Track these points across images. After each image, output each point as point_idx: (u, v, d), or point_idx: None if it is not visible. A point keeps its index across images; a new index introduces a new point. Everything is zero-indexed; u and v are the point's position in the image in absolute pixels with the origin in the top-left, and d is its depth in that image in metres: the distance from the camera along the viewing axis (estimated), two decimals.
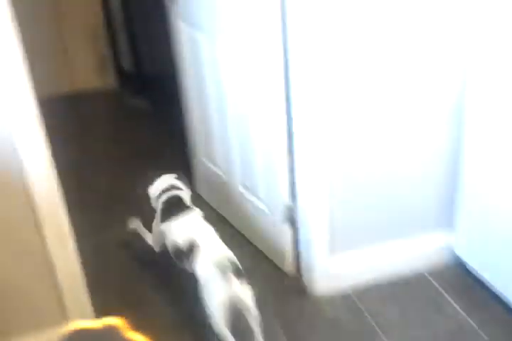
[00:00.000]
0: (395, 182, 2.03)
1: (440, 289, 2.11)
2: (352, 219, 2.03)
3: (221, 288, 1.70)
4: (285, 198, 2.07)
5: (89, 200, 2.73)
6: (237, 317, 1.74)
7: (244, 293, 1.74)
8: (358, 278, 2.12)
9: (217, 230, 1.94)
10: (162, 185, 2.13)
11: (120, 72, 4.11)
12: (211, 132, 2.41)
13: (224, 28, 2.05)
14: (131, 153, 3.24)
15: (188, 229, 1.94)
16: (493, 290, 2.02)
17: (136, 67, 4.03)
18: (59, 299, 1.85)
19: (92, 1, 3.91)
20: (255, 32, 1.87)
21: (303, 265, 2.15)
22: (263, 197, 2.19)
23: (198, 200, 2.70)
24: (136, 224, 2.27)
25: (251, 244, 2.38)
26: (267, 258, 2.30)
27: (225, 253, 1.80)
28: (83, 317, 1.69)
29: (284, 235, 2.14)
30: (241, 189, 2.33)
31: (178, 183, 2.15)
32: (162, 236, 2.03)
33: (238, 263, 1.76)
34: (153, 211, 2.13)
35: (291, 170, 2.00)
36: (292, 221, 2.10)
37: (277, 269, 2.24)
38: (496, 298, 2.01)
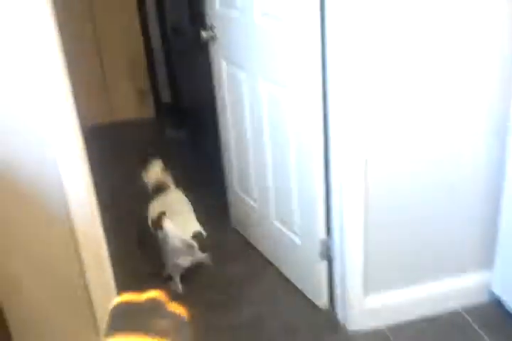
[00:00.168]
0: (433, 222, 2.03)
1: (476, 327, 2.09)
2: (387, 258, 2.04)
3: (182, 253, 2.20)
4: (321, 233, 2.09)
5: (126, 225, 2.78)
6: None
7: (202, 258, 2.26)
8: (392, 314, 2.12)
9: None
10: (154, 172, 2.61)
11: (159, 104, 4.24)
12: (247, 166, 2.47)
13: (264, 67, 2.11)
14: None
15: (162, 204, 2.40)
16: None
17: (174, 99, 4.16)
18: (96, 331, 1.89)
19: (133, 38, 4.08)
20: (295, 72, 1.93)
21: (337, 300, 2.16)
22: (298, 232, 2.22)
23: (232, 233, 2.76)
24: None
25: (285, 278, 2.40)
26: (300, 292, 2.31)
27: (189, 222, 2.24)
28: None
29: (318, 270, 2.16)
30: (276, 223, 2.36)
31: (164, 168, 2.64)
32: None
33: (203, 232, 2.18)
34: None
35: (328, 206, 2.03)
36: (327, 256, 2.12)
37: (311, 304, 2.25)
38: None
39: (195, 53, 3.08)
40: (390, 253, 2.03)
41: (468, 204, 2.03)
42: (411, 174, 1.93)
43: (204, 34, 2.40)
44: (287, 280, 2.38)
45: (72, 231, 1.75)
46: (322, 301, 2.22)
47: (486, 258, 2.13)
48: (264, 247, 2.54)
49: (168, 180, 2.61)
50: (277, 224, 2.36)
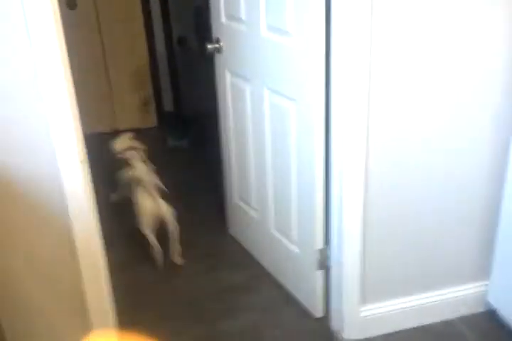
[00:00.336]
0: (430, 233, 2.06)
1: (471, 337, 2.11)
2: (384, 268, 2.07)
3: (147, 205, 2.52)
4: (319, 243, 2.12)
5: (123, 234, 2.82)
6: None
7: (166, 210, 2.53)
8: (388, 324, 2.14)
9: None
10: (123, 144, 2.93)
11: (161, 112, 4.28)
12: (247, 174, 2.50)
13: (269, 79, 2.16)
14: (168, 190, 3.34)
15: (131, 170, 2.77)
16: None
17: (176, 108, 4.20)
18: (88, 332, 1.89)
19: (139, 47, 4.13)
20: (299, 84, 1.97)
21: (332, 310, 2.19)
22: (297, 241, 2.25)
23: (230, 241, 2.79)
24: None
25: (282, 286, 2.43)
26: (297, 301, 2.34)
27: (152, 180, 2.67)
28: None
29: (315, 279, 2.19)
30: (275, 232, 2.39)
31: (135, 142, 2.95)
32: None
33: (165, 188, 2.62)
34: None
35: (326, 216, 2.07)
36: (324, 266, 2.15)
37: (307, 313, 2.27)
38: None
39: (200, 63, 3.13)
40: (387, 263, 2.06)
41: (466, 215, 2.07)
42: (409, 186, 1.97)
43: (209, 46, 2.44)
44: (284, 289, 2.41)
45: (69, 232, 1.76)
46: (318, 310, 2.24)
47: (483, 269, 2.16)
48: (262, 256, 2.57)
49: (136, 146, 2.94)
50: (276, 233, 2.39)
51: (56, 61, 1.56)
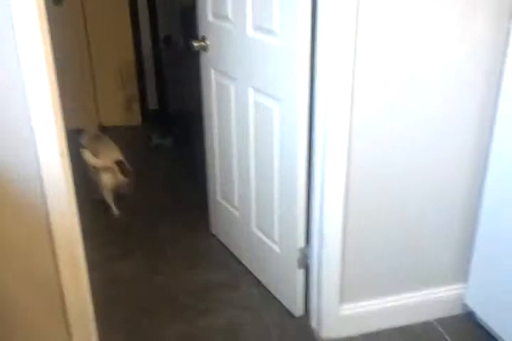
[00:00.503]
0: (409, 234, 2.08)
1: (448, 339, 2.13)
2: (364, 268, 2.08)
3: (108, 177, 2.99)
4: (300, 242, 2.13)
5: (103, 232, 2.83)
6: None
7: (124, 181, 3.00)
8: (366, 323, 2.16)
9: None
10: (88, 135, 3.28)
11: (146, 110, 4.28)
12: (230, 174, 2.51)
13: (254, 78, 2.16)
14: (151, 189, 3.35)
15: (93, 146, 3.09)
16: None
17: (161, 106, 4.20)
18: (67, 328, 1.87)
19: (125, 46, 4.12)
20: (284, 83, 1.98)
21: (312, 309, 2.20)
22: (278, 240, 2.26)
23: (212, 240, 2.80)
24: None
25: (262, 285, 2.44)
26: (277, 300, 2.34)
27: (111, 153, 3.06)
28: None
29: (295, 278, 2.20)
30: (256, 231, 2.40)
31: (101, 134, 3.30)
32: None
33: (123, 161, 3.03)
34: None
35: (308, 215, 2.08)
36: (305, 265, 2.16)
37: (287, 311, 2.28)
38: None
39: (185, 62, 3.14)
40: (366, 264, 2.08)
41: (445, 216, 2.09)
42: (390, 187, 1.99)
43: (195, 44, 2.45)
44: (265, 288, 2.42)
45: (47, 222, 1.74)
46: (298, 309, 2.25)
47: (461, 272, 2.19)
48: (243, 255, 2.58)
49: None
50: (257, 232, 2.40)
51: (40, 56, 1.55)
